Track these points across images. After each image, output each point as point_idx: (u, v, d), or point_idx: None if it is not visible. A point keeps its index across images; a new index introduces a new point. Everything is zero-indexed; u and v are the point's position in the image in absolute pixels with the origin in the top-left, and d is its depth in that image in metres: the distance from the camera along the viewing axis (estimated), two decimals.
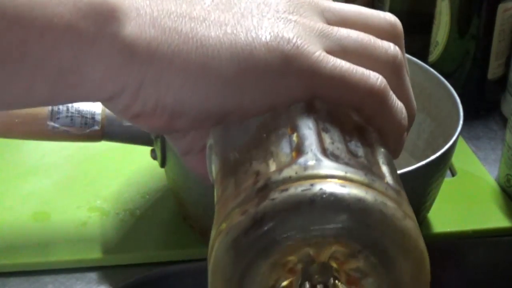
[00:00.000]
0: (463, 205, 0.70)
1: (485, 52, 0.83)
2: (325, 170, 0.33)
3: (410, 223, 0.33)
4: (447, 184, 0.67)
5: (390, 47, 0.39)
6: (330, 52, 0.37)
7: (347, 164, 0.34)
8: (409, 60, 0.71)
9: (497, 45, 0.82)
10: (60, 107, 0.62)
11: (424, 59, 0.81)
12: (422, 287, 0.34)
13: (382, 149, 0.37)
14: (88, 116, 0.63)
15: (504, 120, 0.83)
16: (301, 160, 0.34)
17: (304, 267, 0.33)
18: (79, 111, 0.63)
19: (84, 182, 0.71)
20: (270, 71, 0.36)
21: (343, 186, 0.32)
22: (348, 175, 0.33)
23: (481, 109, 0.86)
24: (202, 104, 0.36)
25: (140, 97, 0.36)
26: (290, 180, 0.33)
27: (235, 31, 0.36)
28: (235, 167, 0.36)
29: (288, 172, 0.33)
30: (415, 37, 0.89)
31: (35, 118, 0.62)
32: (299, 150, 0.34)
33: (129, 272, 0.62)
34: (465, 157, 0.77)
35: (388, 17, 0.41)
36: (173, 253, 0.64)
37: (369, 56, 0.38)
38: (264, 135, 0.36)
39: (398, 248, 0.33)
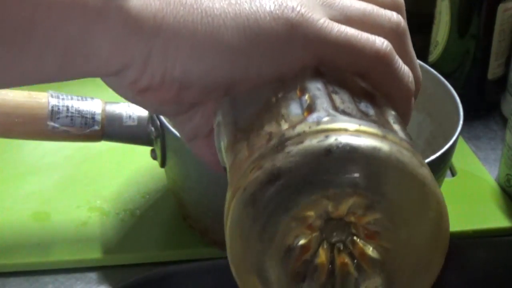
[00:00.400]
0: (463, 205, 0.70)
1: (485, 52, 0.83)
2: (339, 124, 0.33)
3: (426, 171, 0.33)
4: (447, 184, 0.67)
5: (393, 15, 0.39)
6: (334, 20, 0.37)
7: (360, 119, 0.34)
8: None
9: (497, 45, 0.82)
10: (60, 107, 0.62)
11: (424, 59, 0.81)
12: (442, 238, 0.34)
13: (392, 111, 0.37)
14: (88, 116, 0.63)
15: (504, 120, 0.83)
16: (314, 116, 0.34)
17: (322, 224, 0.33)
18: (79, 111, 0.63)
19: (84, 182, 0.71)
20: (276, 39, 0.36)
21: (358, 136, 0.32)
22: (362, 127, 0.33)
23: (481, 109, 0.86)
24: (209, 74, 0.37)
25: (148, 69, 0.36)
26: (304, 134, 0.33)
27: (239, 1, 0.36)
28: (246, 133, 0.36)
29: (301, 128, 0.33)
30: (415, 37, 0.89)
31: (35, 118, 0.62)
32: (310, 108, 0.34)
33: (129, 272, 0.62)
34: (465, 157, 0.77)
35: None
36: (173, 253, 0.64)
37: (373, 24, 0.39)
38: (274, 100, 0.36)
39: (416, 196, 0.33)
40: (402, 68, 0.38)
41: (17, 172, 0.71)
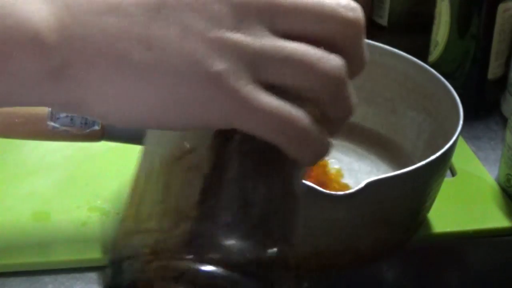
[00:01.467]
0: (463, 205, 0.70)
1: (485, 52, 0.83)
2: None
3: None
4: (447, 184, 0.67)
5: (332, 66, 0.36)
6: (264, 77, 0.36)
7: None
8: (409, 60, 0.71)
9: (497, 45, 0.82)
10: None
11: (424, 59, 0.81)
12: None
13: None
14: None
15: (504, 120, 0.83)
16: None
17: None
18: None
19: (84, 182, 0.71)
20: (192, 101, 0.36)
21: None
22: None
23: (481, 109, 0.86)
24: (127, 124, 0.39)
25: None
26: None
27: (159, 54, 0.35)
28: (141, 195, 0.41)
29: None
30: (415, 37, 0.89)
31: (35, 118, 0.62)
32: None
33: None
34: (465, 157, 0.77)
35: (346, 15, 0.37)
36: None
37: (308, 79, 0.37)
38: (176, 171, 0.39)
39: None
40: (324, 140, 0.38)
41: (17, 172, 0.71)
